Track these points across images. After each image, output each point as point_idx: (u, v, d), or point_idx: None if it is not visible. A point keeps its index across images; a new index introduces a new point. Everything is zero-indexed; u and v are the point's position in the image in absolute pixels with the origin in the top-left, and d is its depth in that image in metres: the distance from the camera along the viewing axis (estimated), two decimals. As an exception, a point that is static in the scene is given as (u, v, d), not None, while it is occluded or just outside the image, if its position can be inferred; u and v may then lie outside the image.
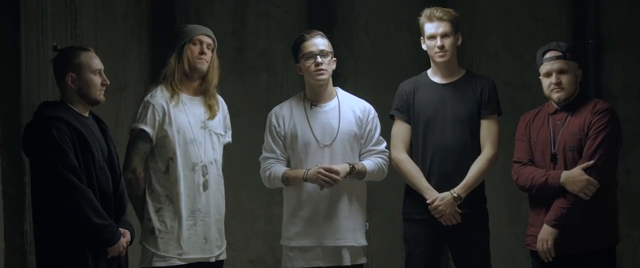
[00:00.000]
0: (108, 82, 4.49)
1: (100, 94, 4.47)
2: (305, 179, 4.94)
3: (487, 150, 5.10)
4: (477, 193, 5.13)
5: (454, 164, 5.09)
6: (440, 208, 5.04)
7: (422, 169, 5.13)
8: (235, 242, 6.39)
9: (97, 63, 4.46)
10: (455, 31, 5.15)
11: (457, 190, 5.04)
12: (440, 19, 5.11)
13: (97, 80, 4.45)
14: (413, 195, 5.17)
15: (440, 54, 5.12)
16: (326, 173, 4.88)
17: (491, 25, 6.68)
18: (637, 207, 6.54)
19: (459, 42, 5.21)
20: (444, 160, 5.10)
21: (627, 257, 6.53)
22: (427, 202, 5.06)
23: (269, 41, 6.61)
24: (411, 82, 5.29)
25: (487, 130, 5.13)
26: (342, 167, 4.94)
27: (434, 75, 5.24)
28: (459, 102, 5.14)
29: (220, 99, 5.08)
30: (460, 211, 5.06)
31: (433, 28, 5.12)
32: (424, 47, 5.20)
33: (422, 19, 5.16)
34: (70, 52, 4.48)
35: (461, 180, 5.06)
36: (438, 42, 5.10)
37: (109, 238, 4.39)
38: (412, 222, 5.19)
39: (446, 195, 5.05)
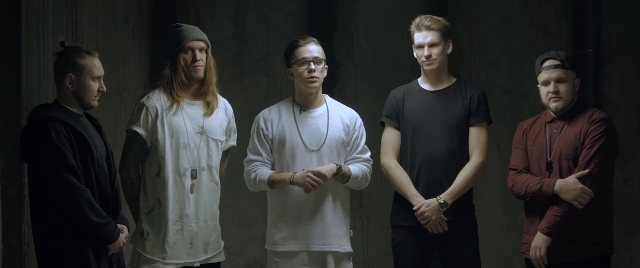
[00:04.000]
0: (105, 89, 4.51)
1: (94, 100, 4.50)
2: (292, 182, 4.96)
3: (475, 158, 5.13)
4: (464, 200, 5.15)
5: (442, 171, 5.12)
6: (426, 214, 5.06)
7: (411, 176, 5.16)
8: (232, 245, 6.40)
9: (99, 69, 4.48)
10: (444, 40, 5.16)
11: (444, 196, 5.06)
12: (429, 28, 5.12)
13: (95, 86, 4.47)
14: (401, 201, 5.19)
15: (428, 63, 5.14)
16: (314, 177, 4.90)
17: (491, 32, 6.68)
18: (635, 217, 6.54)
19: (450, 50, 5.22)
20: (432, 167, 5.12)
21: (624, 267, 6.52)
22: (414, 208, 5.08)
23: (269, 46, 6.62)
24: (401, 89, 5.32)
25: (476, 137, 5.15)
26: (330, 167, 4.97)
27: (423, 83, 5.27)
28: (448, 110, 5.16)
29: (225, 102, 5.11)
30: (446, 219, 5.07)
31: (421, 37, 5.14)
32: (415, 54, 5.23)
33: (412, 27, 5.19)
34: (75, 52, 4.48)
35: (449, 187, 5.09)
36: (425, 51, 5.12)
37: (109, 236, 4.44)
38: (399, 229, 5.22)
39: (432, 201, 5.07)
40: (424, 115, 5.17)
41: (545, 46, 6.24)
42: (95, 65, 4.47)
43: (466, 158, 5.14)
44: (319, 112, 5.11)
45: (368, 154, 5.14)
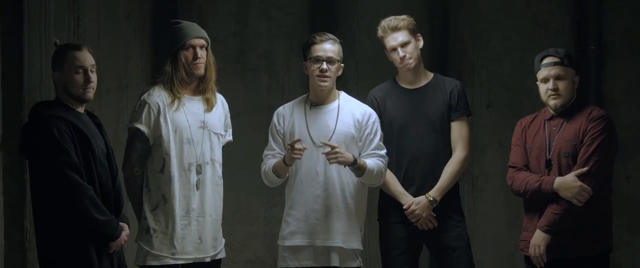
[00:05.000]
0: (92, 80, 4.50)
1: (83, 92, 4.49)
2: (286, 162, 4.96)
3: (458, 152, 5.17)
4: (450, 193, 5.19)
5: (429, 168, 5.17)
6: (416, 212, 5.10)
7: (397, 175, 5.18)
8: (234, 242, 6.41)
9: (80, 60, 4.48)
10: (414, 36, 5.18)
11: (433, 193, 5.10)
12: (395, 29, 5.16)
13: (78, 78, 4.46)
14: (387, 198, 5.23)
15: (404, 63, 5.16)
16: (291, 148, 4.87)
17: (493, 29, 6.68)
18: (637, 214, 6.53)
19: (421, 44, 5.24)
20: (419, 164, 5.17)
21: (626, 264, 6.53)
22: (404, 207, 5.11)
23: (271, 43, 6.63)
24: (380, 89, 5.34)
25: (458, 132, 5.19)
26: (347, 155, 4.93)
27: (402, 81, 5.29)
28: (430, 107, 5.19)
29: (221, 97, 5.10)
30: (435, 215, 5.10)
31: (392, 40, 5.17)
32: (389, 58, 5.25)
33: (380, 33, 5.22)
34: (59, 49, 4.54)
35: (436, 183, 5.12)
36: (400, 52, 5.14)
37: (112, 233, 4.47)
38: (387, 225, 5.26)
39: (422, 199, 5.11)
40: (407, 114, 5.20)
41: (547, 43, 6.24)
42: (77, 57, 4.47)
43: (450, 153, 5.19)
44: (330, 107, 5.11)
45: (384, 151, 5.11)
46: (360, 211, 5.11)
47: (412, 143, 5.16)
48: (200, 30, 4.95)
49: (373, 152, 5.08)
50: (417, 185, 5.15)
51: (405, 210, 5.10)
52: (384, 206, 5.28)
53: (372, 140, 5.09)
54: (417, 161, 5.16)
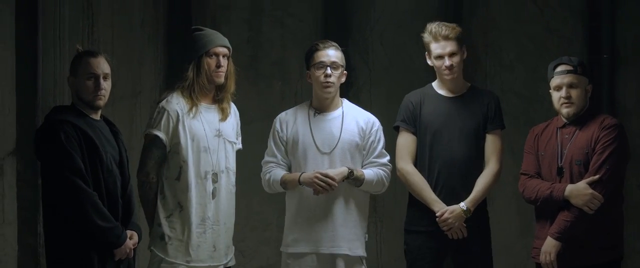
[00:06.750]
0: (103, 88, 4.51)
1: (93, 99, 4.50)
2: (300, 182, 4.96)
3: (492, 165, 5.12)
4: (480, 207, 5.13)
5: (460, 178, 5.10)
6: (449, 221, 5.04)
7: (429, 181, 5.13)
8: (246, 249, 6.42)
9: (93, 67, 4.49)
10: (461, 47, 5.13)
11: (467, 203, 5.04)
12: (447, 38, 5.06)
13: (89, 84, 4.47)
14: (417, 206, 5.16)
15: (449, 73, 5.11)
16: (322, 178, 4.89)
17: (506, 37, 6.68)
18: (648, 223, 6.52)
19: (465, 56, 5.19)
20: (450, 173, 5.10)
21: (638, 273, 6.52)
22: (437, 214, 5.05)
23: (284, 50, 6.65)
24: (417, 93, 5.28)
25: (493, 144, 5.14)
26: (340, 170, 4.95)
27: (440, 88, 5.23)
28: (466, 116, 5.14)
29: (233, 106, 5.11)
30: (466, 225, 5.06)
31: (440, 48, 5.08)
32: (430, 62, 5.19)
33: (427, 36, 5.13)
34: (77, 55, 4.56)
35: (466, 194, 5.07)
36: (446, 61, 5.07)
37: (115, 240, 4.46)
38: (415, 234, 5.18)
39: (456, 208, 5.04)
40: (443, 121, 5.14)
41: (560, 51, 6.24)
42: (90, 64, 4.49)
43: (482, 165, 5.14)
44: (333, 115, 5.12)
45: (386, 159, 5.12)
46: (363, 218, 5.12)
47: (444, 151, 5.11)
48: (224, 39, 4.95)
49: (374, 160, 5.09)
50: (447, 192, 5.09)
51: (438, 217, 5.05)
52: (413, 214, 5.22)
53: (374, 149, 5.10)
54: (449, 169, 5.10)
